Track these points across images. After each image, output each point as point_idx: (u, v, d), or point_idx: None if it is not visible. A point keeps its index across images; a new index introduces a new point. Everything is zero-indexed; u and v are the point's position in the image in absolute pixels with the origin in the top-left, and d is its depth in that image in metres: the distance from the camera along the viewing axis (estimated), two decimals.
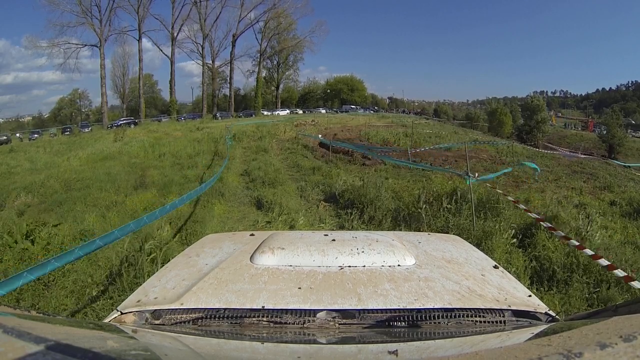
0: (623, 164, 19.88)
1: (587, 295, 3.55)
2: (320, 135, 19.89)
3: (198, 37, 48.22)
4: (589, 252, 3.52)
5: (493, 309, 0.95)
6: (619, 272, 3.11)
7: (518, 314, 0.96)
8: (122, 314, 0.96)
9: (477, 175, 5.40)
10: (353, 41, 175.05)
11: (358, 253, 1.18)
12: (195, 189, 4.06)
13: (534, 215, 4.50)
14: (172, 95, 46.66)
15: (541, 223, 4.30)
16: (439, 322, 0.91)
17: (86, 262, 4.02)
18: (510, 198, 5.18)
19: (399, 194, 7.01)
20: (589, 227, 4.94)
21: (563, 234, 3.97)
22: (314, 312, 0.92)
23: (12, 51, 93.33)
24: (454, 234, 2.87)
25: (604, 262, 3.30)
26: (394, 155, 14.26)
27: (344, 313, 0.92)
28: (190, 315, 0.94)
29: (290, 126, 26.20)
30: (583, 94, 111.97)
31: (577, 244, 3.68)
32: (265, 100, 56.31)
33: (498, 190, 5.50)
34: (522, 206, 4.78)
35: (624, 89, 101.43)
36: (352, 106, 62.98)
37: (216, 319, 0.92)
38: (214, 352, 0.77)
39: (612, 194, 9.69)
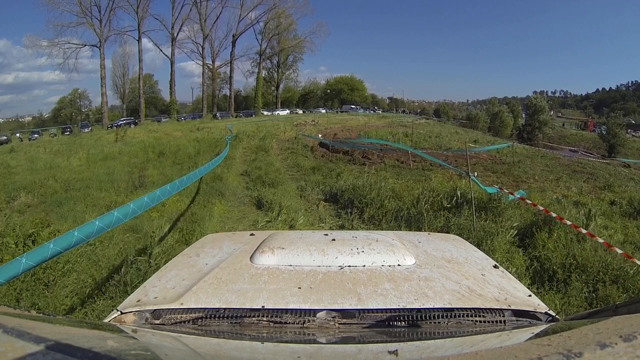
0: (624, 160, 19.85)
1: (586, 295, 3.55)
2: (320, 135, 19.90)
3: (198, 37, 48.31)
4: (599, 240, 3.58)
5: (493, 309, 0.95)
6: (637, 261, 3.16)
7: (518, 313, 0.96)
8: (122, 313, 0.96)
9: (476, 174, 5.41)
10: (353, 41, 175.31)
11: (358, 253, 1.18)
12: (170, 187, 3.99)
13: (540, 208, 4.54)
14: (172, 96, 46.68)
15: (551, 214, 4.35)
16: (439, 322, 0.91)
17: (87, 262, 4.02)
18: (518, 196, 5.18)
19: (399, 194, 7.01)
20: (589, 227, 4.93)
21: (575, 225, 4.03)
22: (314, 312, 0.92)
23: (13, 51, 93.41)
24: (454, 233, 2.87)
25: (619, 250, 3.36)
26: (393, 155, 14.26)
27: (344, 313, 0.92)
28: (190, 315, 0.94)
29: (291, 126, 26.23)
30: (583, 94, 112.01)
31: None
32: (266, 100, 56.33)
33: (505, 190, 5.49)
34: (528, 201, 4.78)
35: (624, 89, 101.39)
36: (352, 106, 62.98)
37: (216, 318, 0.92)
38: (214, 352, 0.77)
39: (612, 194, 9.68)
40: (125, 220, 2.70)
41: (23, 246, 3.91)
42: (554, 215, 4.30)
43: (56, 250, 2.02)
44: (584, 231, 3.77)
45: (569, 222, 4.07)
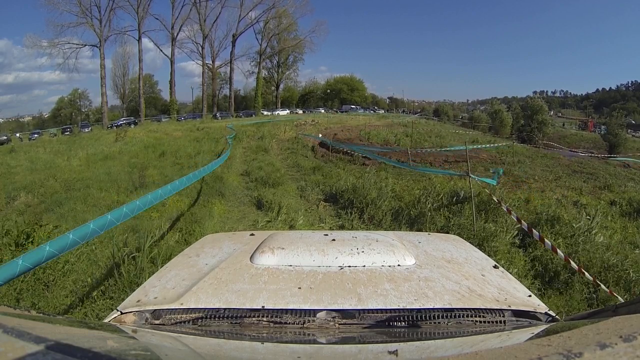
0: (624, 159, 19.82)
1: (587, 296, 3.55)
2: (320, 135, 19.89)
3: (198, 37, 48.28)
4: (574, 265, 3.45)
5: (493, 309, 0.95)
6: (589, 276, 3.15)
7: (518, 314, 0.96)
8: (122, 314, 0.96)
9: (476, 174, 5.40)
10: (353, 41, 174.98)
11: (358, 253, 1.18)
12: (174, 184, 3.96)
13: (524, 225, 4.23)
14: (172, 96, 46.68)
15: (533, 231, 4.05)
16: (439, 322, 0.91)
17: (86, 262, 4.03)
18: (504, 207, 4.91)
19: (399, 194, 7.01)
20: (589, 227, 4.93)
21: (551, 244, 3.78)
22: (314, 312, 0.92)
23: (13, 51, 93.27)
24: (454, 233, 2.87)
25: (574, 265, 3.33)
26: (394, 155, 14.26)
27: (344, 313, 0.92)
28: (190, 315, 0.94)
29: (291, 126, 26.21)
30: (583, 94, 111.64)
31: (563, 255, 3.52)
32: (265, 100, 56.31)
33: (497, 199, 5.48)
34: (513, 215, 4.49)
35: (624, 89, 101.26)
36: (352, 106, 62.94)
37: (216, 319, 0.92)
38: (214, 352, 0.77)
39: (612, 194, 9.68)
40: (118, 223, 2.70)
41: (22, 246, 3.92)
42: (536, 233, 3.99)
43: (52, 252, 2.03)
44: (575, 266, 3.53)
45: (562, 254, 3.72)
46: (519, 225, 4.86)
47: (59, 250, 2.09)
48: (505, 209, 4.69)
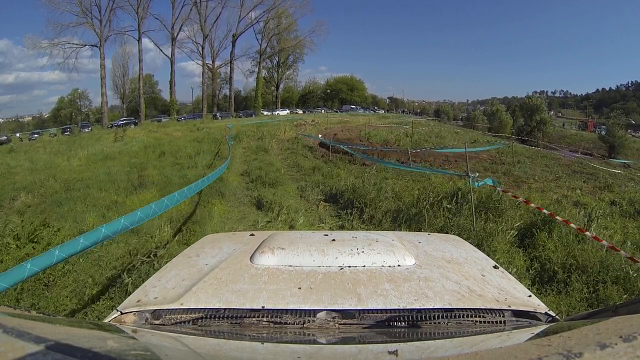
0: (624, 161, 19.82)
1: (586, 296, 3.55)
2: (320, 135, 19.90)
3: (198, 37, 48.29)
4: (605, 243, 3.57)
5: (493, 309, 0.95)
6: None
7: (518, 314, 0.96)
8: (122, 314, 0.96)
9: (477, 175, 5.37)
10: (353, 41, 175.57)
11: (358, 253, 1.18)
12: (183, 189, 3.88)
13: (546, 212, 4.51)
14: (172, 96, 46.69)
15: (557, 218, 4.33)
16: (439, 322, 0.91)
17: (87, 262, 4.03)
18: (521, 199, 5.15)
19: (399, 194, 7.00)
20: (586, 226, 4.93)
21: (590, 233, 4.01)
22: (313, 312, 0.92)
23: (14, 51, 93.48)
24: (454, 234, 2.87)
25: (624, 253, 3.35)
26: (394, 155, 14.26)
27: (344, 313, 0.92)
28: (190, 315, 0.94)
29: (290, 126, 26.23)
30: (583, 94, 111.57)
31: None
32: (265, 100, 56.35)
33: (505, 192, 5.49)
34: (532, 205, 4.78)
35: (624, 89, 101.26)
36: (352, 106, 63.01)
37: (216, 319, 0.92)
38: (214, 352, 0.77)
39: (612, 194, 9.68)
40: (131, 227, 2.68)
41: (24, 247, 3.91)
42: (559, 219, 4.27)
43: (61, 256, 2.01)
44: (589, 234, 3.76)
45: (574, 226, 4.05)
46: (519, 224, 4.90)
47: (69, 254, 2.08)
48: (519, 199, 4.91)
